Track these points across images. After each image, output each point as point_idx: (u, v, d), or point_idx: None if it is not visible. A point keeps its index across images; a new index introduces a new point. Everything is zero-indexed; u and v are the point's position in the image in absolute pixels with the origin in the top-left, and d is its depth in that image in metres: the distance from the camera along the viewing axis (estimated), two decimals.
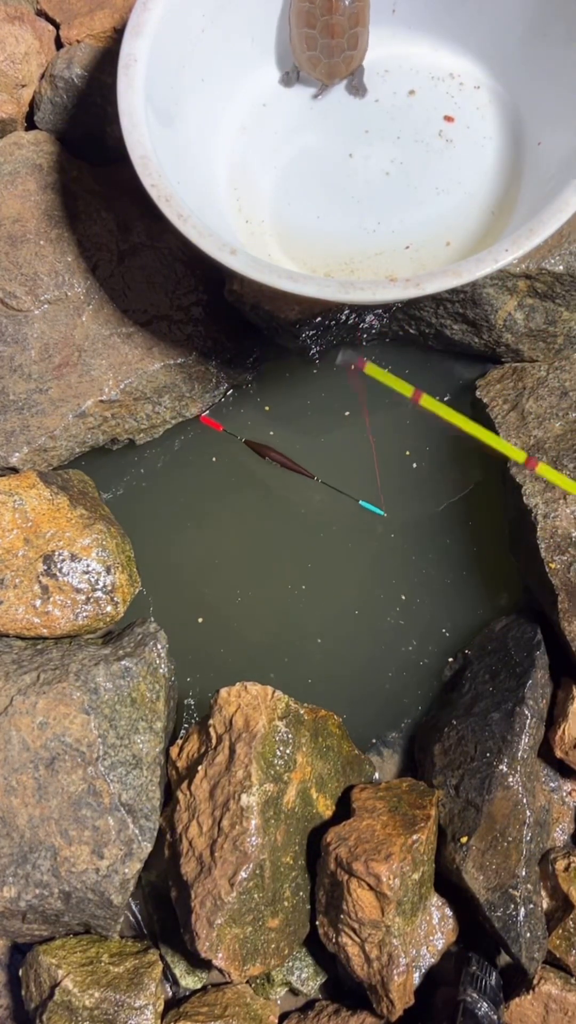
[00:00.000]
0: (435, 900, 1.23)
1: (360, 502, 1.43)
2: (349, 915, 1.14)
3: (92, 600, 1.37)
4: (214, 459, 1.56)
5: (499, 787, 1.22)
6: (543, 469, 1.15)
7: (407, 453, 1.53)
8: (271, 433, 1.56)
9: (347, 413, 1.56)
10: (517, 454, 1.16)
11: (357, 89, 1.46)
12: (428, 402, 1.20)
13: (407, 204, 1.40)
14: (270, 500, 1.54)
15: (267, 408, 1.58)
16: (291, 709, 1.26)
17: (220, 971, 1.14)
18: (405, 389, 1.22)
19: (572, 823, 1.31)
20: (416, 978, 1.18)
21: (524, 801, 1.21)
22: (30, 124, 1.61)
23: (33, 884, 1.19)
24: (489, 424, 1.47)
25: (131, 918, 1.32)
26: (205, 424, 1.53)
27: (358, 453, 1.54)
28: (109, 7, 1.56)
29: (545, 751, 1.30)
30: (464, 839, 1.21)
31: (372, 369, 1.25)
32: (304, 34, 1.41)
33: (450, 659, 1.45)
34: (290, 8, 1.41)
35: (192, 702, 1.44)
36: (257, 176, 1.45)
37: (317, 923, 1.21)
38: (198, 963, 1.26)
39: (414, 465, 1.53)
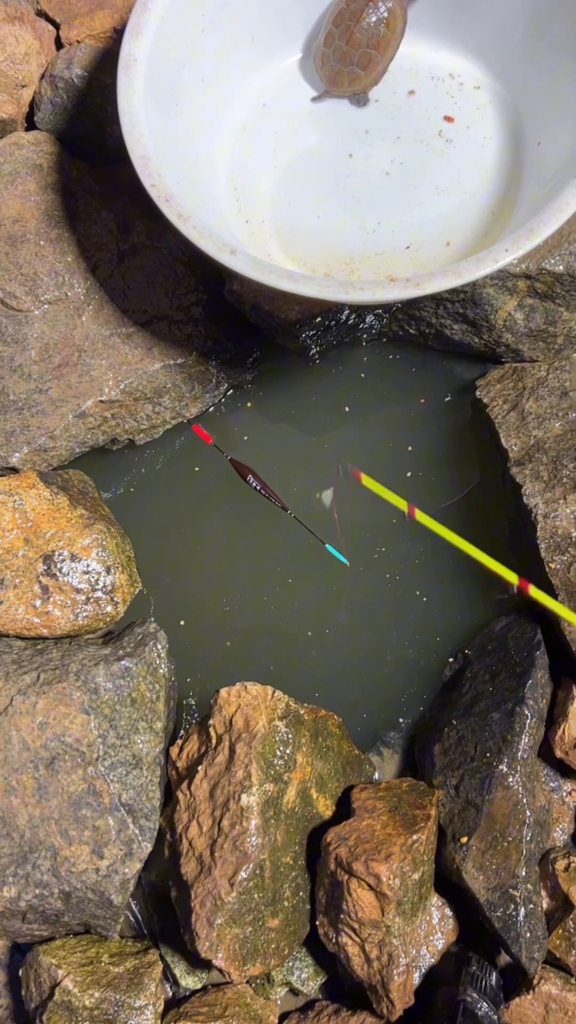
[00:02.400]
0: (435, 900, 1.23)
1: (326, 546, 1.41)
2: (349, 915, 1.14)
3: (92, 600, 1.37)
4: (214, 459, 1.56)
5: (499, 787, 1.22)
6: (536, 592, 1.16)
7: (409, 448, 1.53)
8: (244, 437, 1.56)
9: (346, 409, 1.56)
10: (510, 576, 1.18)
11: (359, 100, 1.47)
12: (423, 518, 1.22)
13: (407, 204, 1.40)
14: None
15: (249, 404, 1.57)
16: (291, 709, 1.26)
17: (220, 971, 1.14)
18: (400, 503, 1.24)
19: (572, 823, 1.31)
20: (416, 978, 1.18)
21: (524, 801, 1.21)
22: (30, 124, 1.61)
23: (33, 884, 1.19)
24: (489, 424, 1.47)
25: (131, 918, 1.32)
26: (196, 433, 1.52)
27: (358, 453, 1.54)
28: (109, 7, 1.57)
29: (545, 751, 1.30)
30: (464, 839, 1.21)
31: (368, 481, 1.26)
32: (328, 30, 1.41)
33: (450, 659, 1.45)
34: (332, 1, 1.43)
35: (192, 702, 1.44)
36: (257, 176, 1.46)
37: (317, 923, 1.21)
38: (198, 963, 1.26)
39: (414, 464, 1.53)
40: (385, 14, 1.38)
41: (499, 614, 1.45)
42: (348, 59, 1.39)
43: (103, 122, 1.55)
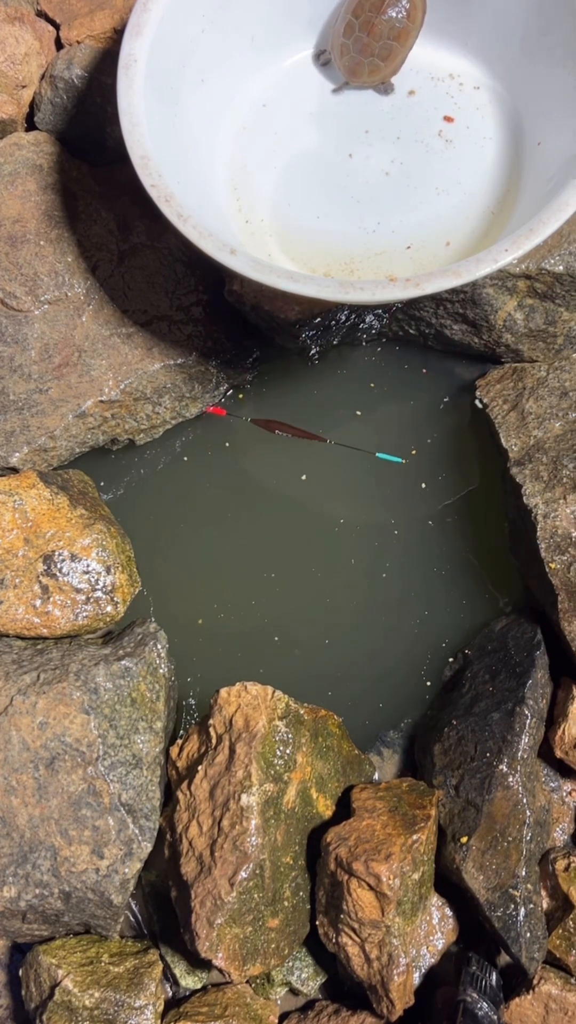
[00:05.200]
0: (435, 900, 1.23)
1: (377, 454, 1.48)
2: (349, 915, 1.14)
3: (92, 600, 1.37)
4: (214, 460, 1.56)
5: (499, 787, 1.22)
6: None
7: (413, 452, 1.54)
8: (243, 436, 1.57)
9: (358, 413, 1.56)
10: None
11: (384, 89, 1.47)
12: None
13: (407, 204, 1.40)
14: (270, 500, 1.54)
15: (240, 396, 1.58)
16: (291, 709, 1.26)
17: (220, 971, 1.14)
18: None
19: (572, 823, 1.31)
20: (416, 978, 1.18)
21: (524, 801, 1.21)
22: (30, 125, 1.61)
23: (33, 884, 1.19)
24: (489, 424, 1.47)
25: (131, 918, 1.32)
26: (211, 413, 1.56)
27: (357, 452, 1.54)
28: (109, 7, 1.57)
29: (545, 751, 1.30)
30: (464, 839, 1.21)
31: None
32: (347, 20, 1.41)
33: (450, 659, 1.45)
34: None
35: (192, 702, 1.44)
36: (257, 176, 1.46)
37: (317, 923, 1.21)
38: (198, 963, 1.26)
39: (415, 464, 1.53)
40: (407, 5, 1.37)
41: (499, 614, 1.45)
42: (369, 50, 1.39)
43: (103, 122, 1.56)
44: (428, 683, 1.44)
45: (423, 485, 1.52)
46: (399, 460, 1.49)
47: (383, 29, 1.37)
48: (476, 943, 1.24)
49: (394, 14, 1.37)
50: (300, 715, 1.27)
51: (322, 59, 1.50)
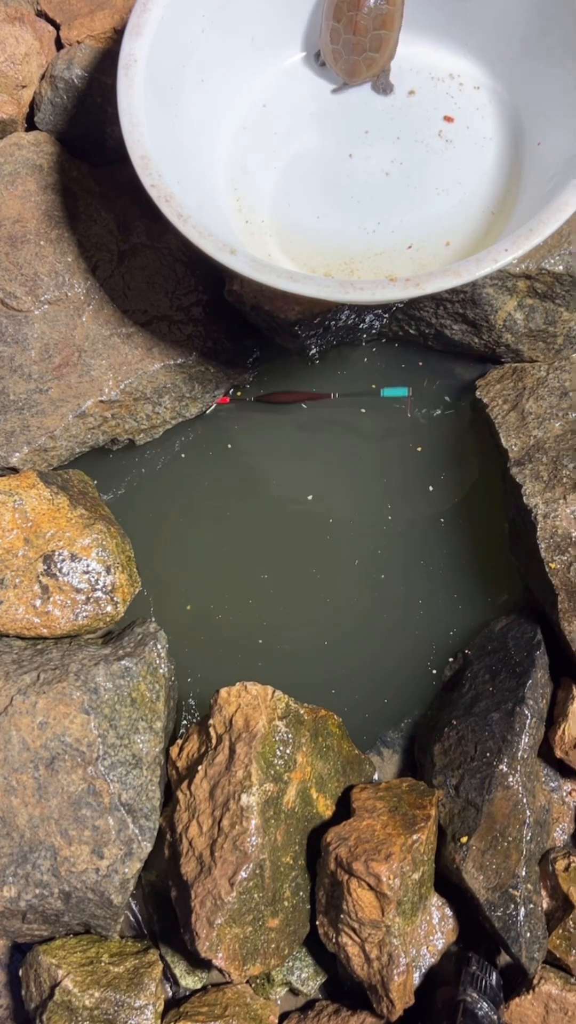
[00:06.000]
0: (435, 900, 1.23)
1: (382, 392, 1.50)
2: (349, 915, 1.14)
3: (92, 600, 1.37)
4: (214, 460, 1.56)
5: (499, 787, 1.22)
6: None
7: (419, 449, 1.54)
8: (243, 437, 1.59)
9: (362, 411, 1.56)
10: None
11: (383, 88, 1.46)
12: None
13: (407, 204, 1.40)
14: (271, 500, 1.54)
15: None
16: (291, 709, 1.26)
17: (220, 971, 1.14)
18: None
19: (572, 823, 1.31)
20: (416, 978, 1.18)
21: (524, 801, 1.21)
22: (30, 125, 1.61)
23: (33, 884, 1.19)
24: (489, 424, 1.47)
25: (131, 918, 1.32)
26: (219, 405, 1.58)
27: (360, 451, 1.54)
28: (109, 8, 1.57)
29: (545, 751, 1.30)
30: (464, 839, 1.21)
31: None
32: (331, 27, 1.41)
33: (450, 659, 1.45)
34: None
35: (192, 702, 1.44)
36: (257, 176, 1.46)
37: (317, 923, 1.21)
38: (198, 963, 1.26)
39: (415, 464, 1.53)
40: None
41: (499, 614, 1.45)
42: (360, 48, 1.39)
43: (103, 122, 1.56)
44: (428, 683, 1.44)
45: (423, 485, 1.52)
46: (404, 393, 1.50)
47: (368, 23, 1.37)
48: (476, 943, 1.24)
49: (373, 3, 1.36)
50: (300, 715, 1.27)
51: (321, 59, 1.50)
